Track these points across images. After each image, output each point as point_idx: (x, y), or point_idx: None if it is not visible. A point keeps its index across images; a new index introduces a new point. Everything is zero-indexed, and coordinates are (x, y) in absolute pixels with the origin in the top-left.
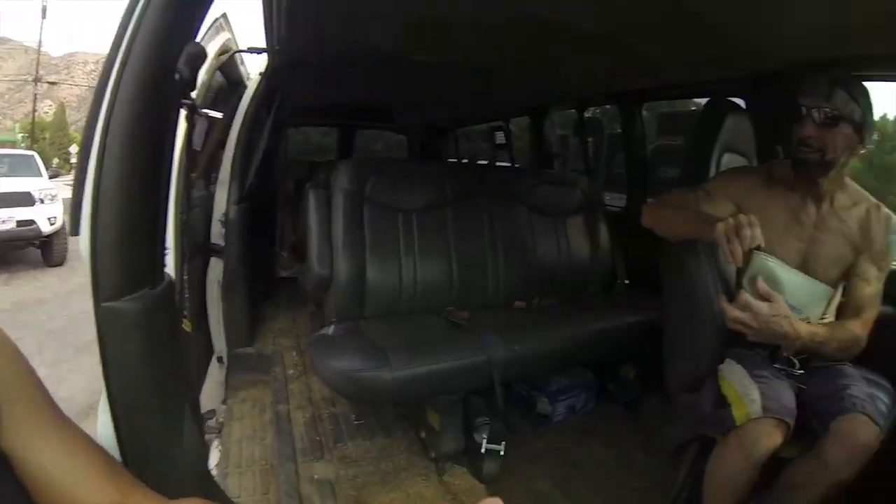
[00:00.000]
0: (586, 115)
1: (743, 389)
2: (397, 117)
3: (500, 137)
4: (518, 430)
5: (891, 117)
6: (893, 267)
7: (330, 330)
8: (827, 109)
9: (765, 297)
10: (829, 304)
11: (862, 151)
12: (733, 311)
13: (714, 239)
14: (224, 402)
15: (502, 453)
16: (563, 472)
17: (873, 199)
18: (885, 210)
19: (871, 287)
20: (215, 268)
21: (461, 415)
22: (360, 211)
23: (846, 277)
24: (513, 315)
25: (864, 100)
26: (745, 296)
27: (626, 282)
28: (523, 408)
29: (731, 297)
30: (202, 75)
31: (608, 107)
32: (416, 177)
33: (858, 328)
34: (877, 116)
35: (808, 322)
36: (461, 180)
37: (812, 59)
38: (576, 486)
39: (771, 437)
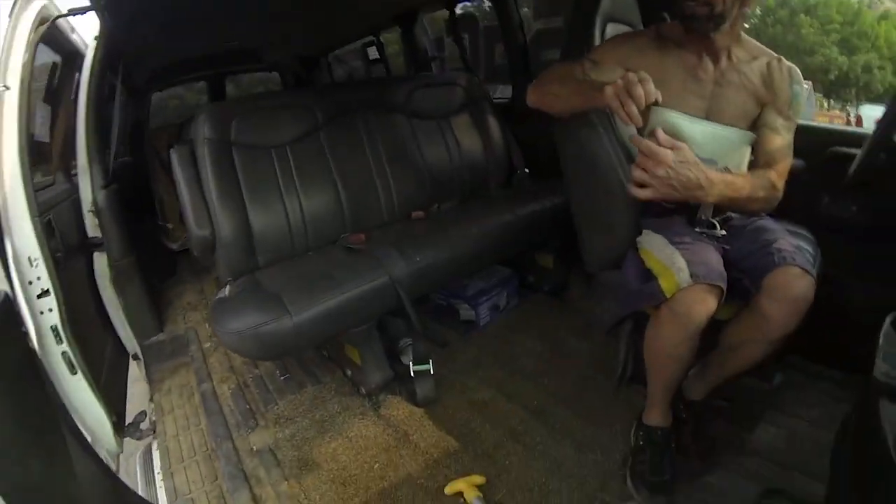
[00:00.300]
0: (459, 11)
1: (667, 259)
2: (264, 55)
3: (372, 53)
4: (447, 342)
5: None
6: (800, 121)
7: (226, 291)
8: None
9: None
10: (744, 151)
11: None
12: (636, 171)
13: (606, 105)
14: (151, 399)
15: (432, 371)
16: (500, 375)
17: (774, 53)
18: (787, 63)
19: (780, 137)
20: (100, 263)
21: (379, 342)
22: (228, 159)
23: (754, 130)
24: (412, 227)
25: None
26: (646, 142)
27: (527, 170)
28: (448, 318)
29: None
30: (20, 54)
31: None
32: (282, 108)
33: (774, 175)
34: None
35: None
36: (330, 101)
37: None
38: (516, 386)
39: (705, 304)
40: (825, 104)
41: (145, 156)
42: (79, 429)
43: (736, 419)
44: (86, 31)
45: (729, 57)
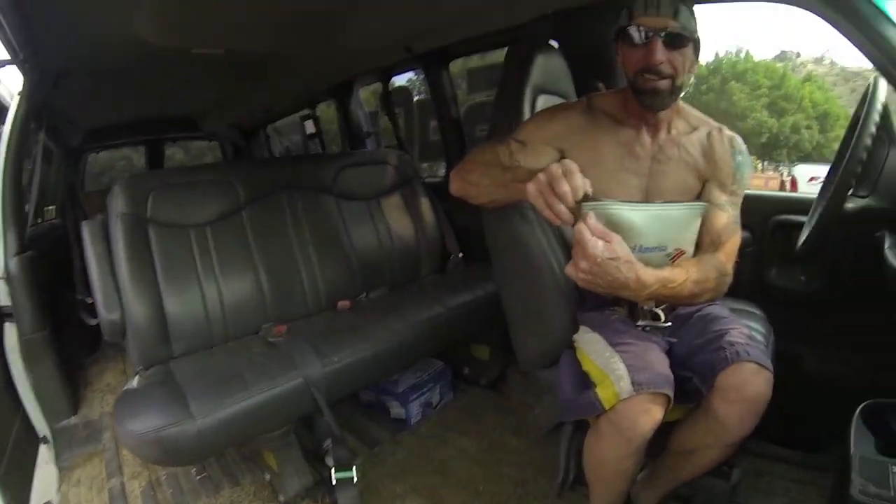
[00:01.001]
0: (393, 85)
1: (605, 364)
2: (203, 123)
3: (309, 127)
4: (377, 442)
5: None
6: (747, 191)
7: (135, 382)
8: (675, 28)
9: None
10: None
11: (693, 73)
12: (568, 267)
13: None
14: (59, 489)
15: (355, 479)
16: (432, 482)
17: (714, 123)
18: (728, 132)
19: (725, 214)
20: (10, 335)
21: (297, 447)
22: (144, 236)
23: None
24: (337, 319)
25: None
26: (577, 227)
27: (461, 255)
28: (378, 415)
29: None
30: None
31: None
32: (203, 184)
33: (723, 258)
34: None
35: (677, 255)
36: (253, 178)
37: None
38: (450, 492)
39: (649, 415)
40: (759, 166)
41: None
42: None
43: None
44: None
45: (668, 130)
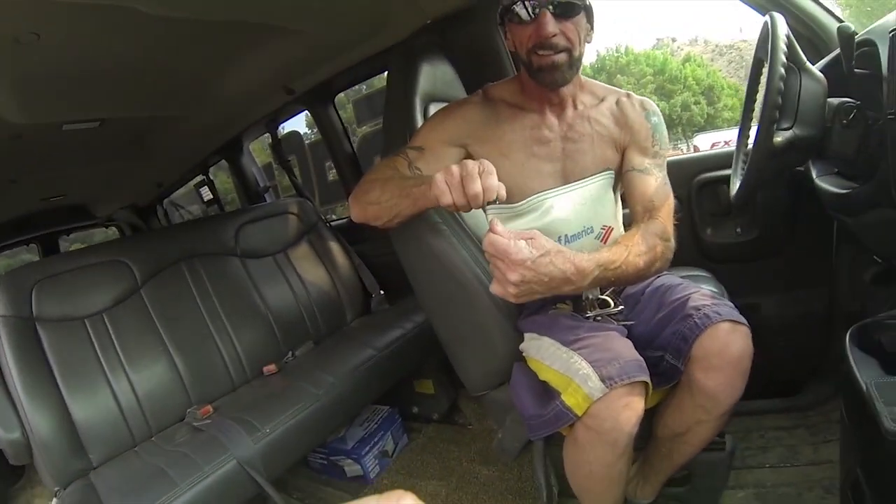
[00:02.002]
0: (282, 132)
1: (565, 367)
2: (96, 208)
3: (205, 193)
4: None
5: None
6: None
7: None
8: None
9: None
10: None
11: (589, 42)
12: (494, 286)
13: (438, 203)
14: None
15: None
16: None
17: (620, 90)
18: (637, 96)
19: (653, 177)
20: None
21: None
22: (33, 338)
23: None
24: (264, 386)
25: None
26: (487, 239)
27: (382, 292)
28: (333, 478)
29: None
30: None
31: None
32: (92, 268)
33: (661, 223)
34: None
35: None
36: (146, 253)
37: None
38: None
39: (630, 408)
40: None
41: None
42: None
43: (698, 501)
44: None
45: (574, 105)
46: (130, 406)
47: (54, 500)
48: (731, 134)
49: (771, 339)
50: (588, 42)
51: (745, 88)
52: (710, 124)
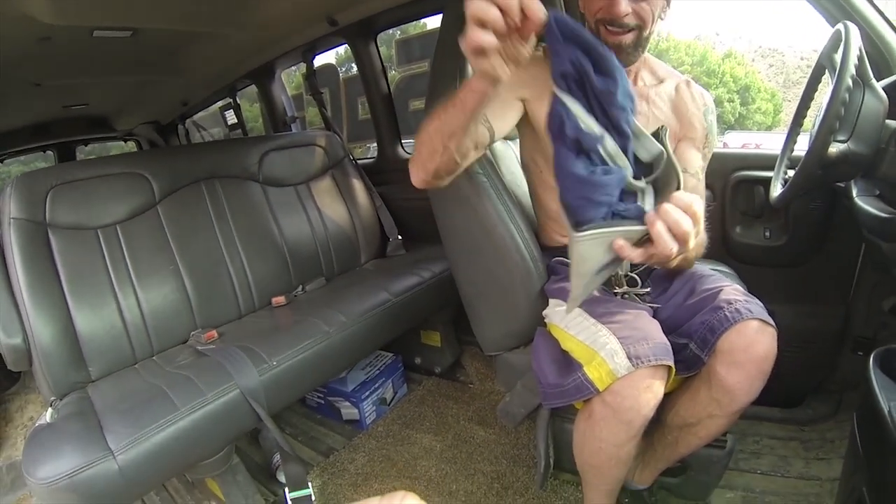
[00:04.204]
0: (318, 63)
1: (591, 339)
2: (117, 121)
3: (230, 117)
4: (332, 449)
5: None
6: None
7: (47, 416)
8: None
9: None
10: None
11: (663, 19)
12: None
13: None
14: None
15: (313, 498)
16: (399, 485)
17: (680, 74)
18: (698, 86)
19: (695, 179)
20: None
21: (242, 470)
22: (44, 244)
23: None
24: (273, 317)
25: None
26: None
27: (399, 237)
28: (329, 418)
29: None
30: None
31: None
32: (110, 178)
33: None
34: None
35: None
36: (167, 168)
37: None
38: (421, 495)
39: (651, 391)
40: None
41: None
42: None
43: (689, 494)
44: None
45: (635, 82)
46: (135, 322)
47: (49, 409)
48: (762, 137)
49: (780, 348)
50: (662, 19)
51: (780, 94)
52: (739, 124)
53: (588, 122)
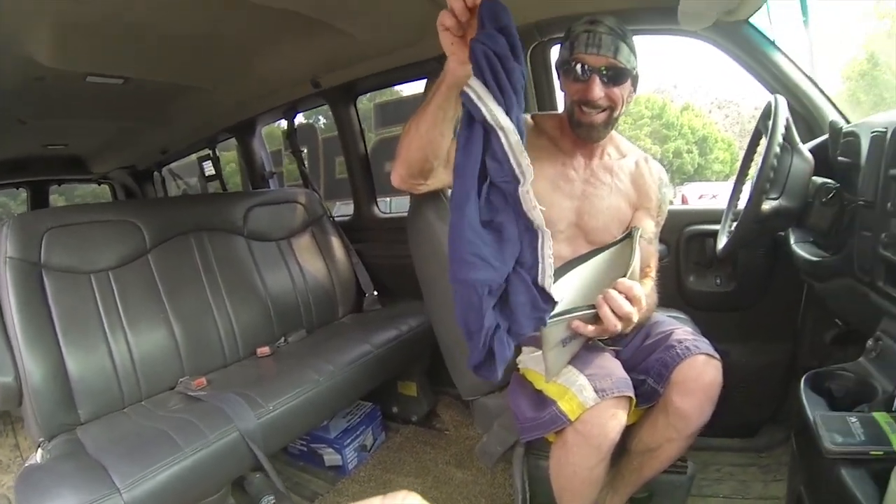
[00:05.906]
0: (298, 121)
1: (563, 378)
2: (93, 164)
3: (208, 168)
4: (317, 494)
5: None
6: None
7: (38, 456)
8: (615, 66)
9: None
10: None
11: (629, 103)
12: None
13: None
14: None
15: None
16: None
17: (640, 150)
18: (654, 162)
19: (653, 246)
20: None
21: None
22: (38, 284)
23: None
24: (259, 367)
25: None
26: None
27: (375, 293)
28: (311, 465)
29: None
30: None
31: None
32: (104, 224)
33: (652, 279)
34: None
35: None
36: (159, 218)
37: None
38: None
39: (616, 418)
40: None
41: None
42: None
43: None
44: None
45: (601, 155)
46: (125, 367)
47: (39, 450)
48: (719, 187)
49: (735, 384)
50: (629, 103)
51: (737, 143)
52: (699, 174)
53: (496, 113)
